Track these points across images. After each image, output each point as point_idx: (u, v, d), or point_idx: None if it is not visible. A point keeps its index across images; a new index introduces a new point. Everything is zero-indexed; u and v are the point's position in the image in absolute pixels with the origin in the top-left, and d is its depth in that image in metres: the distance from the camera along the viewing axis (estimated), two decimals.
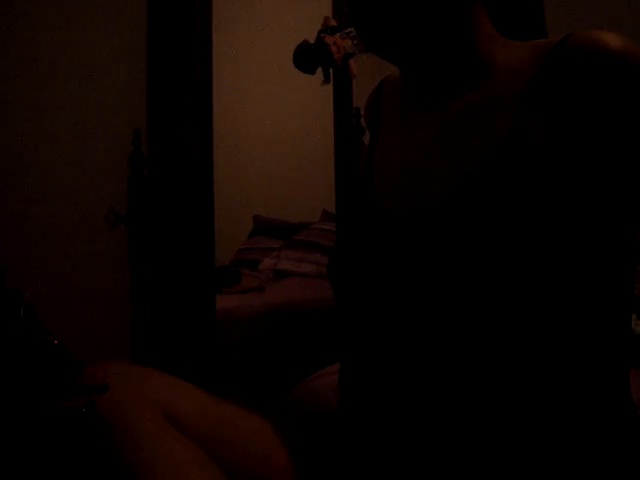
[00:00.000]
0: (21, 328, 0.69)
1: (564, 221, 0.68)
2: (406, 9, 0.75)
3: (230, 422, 0.82)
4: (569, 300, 0.69)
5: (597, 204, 0.69)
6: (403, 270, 0.73)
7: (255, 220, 4.00)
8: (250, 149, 3.99)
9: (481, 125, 0.75)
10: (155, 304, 2.15)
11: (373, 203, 0.82)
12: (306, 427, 0.93)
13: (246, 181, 3.94)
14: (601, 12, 2.32)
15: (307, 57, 2.08)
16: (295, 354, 2.79)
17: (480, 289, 0.68)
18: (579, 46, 0.69)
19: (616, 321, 0.73)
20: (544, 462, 0.69)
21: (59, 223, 2.06)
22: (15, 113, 2.01)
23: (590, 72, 0.68)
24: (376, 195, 0.83)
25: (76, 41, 2.09)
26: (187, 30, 2.12)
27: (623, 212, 0.71)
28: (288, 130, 3.90)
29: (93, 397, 0.69)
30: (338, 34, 2.10)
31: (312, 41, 2.10)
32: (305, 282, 3.27)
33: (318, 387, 1.36)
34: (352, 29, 2.06)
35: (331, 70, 2.31)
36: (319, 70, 2.21)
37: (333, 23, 2.17)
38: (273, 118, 3.95)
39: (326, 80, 2.28)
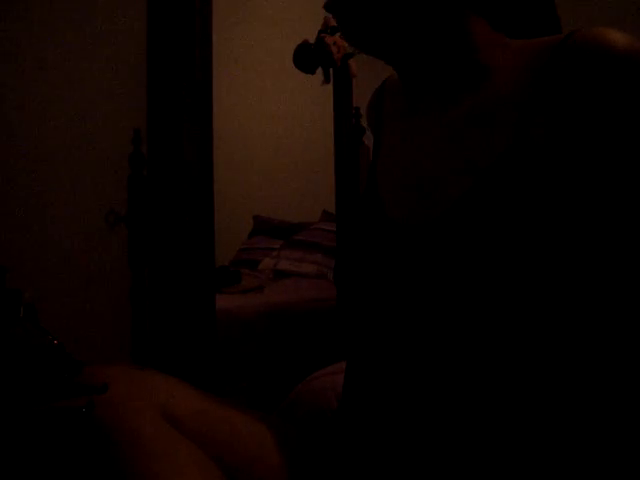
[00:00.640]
0: (21, 328, 0.69)
1: (576, 225, 0.66)
2: (392, 16, 0.75)
3: (230, 423, 0.82)
4: (583, 306, 0.68)
5: (608, 208, 0.68)
6: (409, 279, 0.73)
7: (255, 220, 4.00)
8: (250, 149, 4.00)
9: (483, 131, 0.73)
10: (155, 304, 2.15)
11: (378, 209, 0.81)
12: (306, 427, 0.93)
13: (246, 181, 3.94)
14: (603, 8, 2.32)
15: (307, 57, 2.08)
16: (295, 354, 2.79)
17: (491, 299, 0.68)
18: (583, 45, 0.68)
19: (627, 328, 0.73)
20: (549, 465, 0.69)
21: (59, 223, 2.06)
22: (15, 113, 2.01)
23: (595, 73, 0.67)
24: (381, 199, 0.82)
25: (76, 41, 2.09)
26: (187, 30, 2.12)
27: (635, 216, 0.69)
28: (288, 130, 3.91)
29: (93, 397, 0.69)
30: (338, 34, 2.10)
31: (312, 41, 2.11)
32: (305, 282, 3.27)
33: (318, 387, 1.36)
34: None
35: (331, 70, 2.31)
36: (319, 70, 2.21)
37: (333, 23, 2.17)
38: (273, 118, 3.96)
39: (326, 80, 2.29)
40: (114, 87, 2.15)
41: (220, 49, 2.38)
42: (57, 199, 2.07)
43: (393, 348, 0.75)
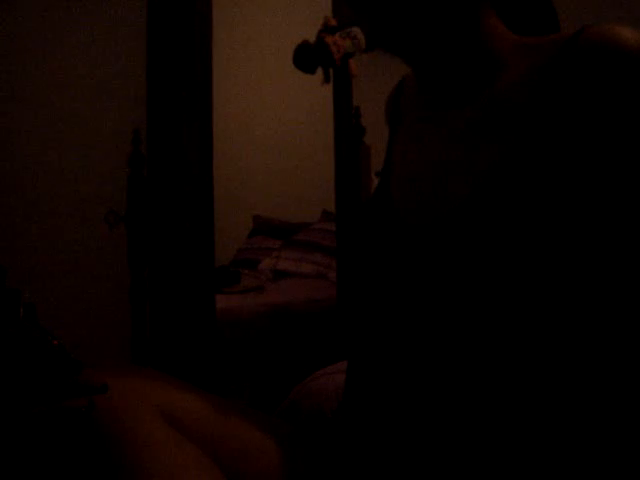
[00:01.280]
0: (21, 328, 0.69)
1: (586, 225, 0.66)
2: (410, 8, 0.75)
3: (230, 423, 0.82)
4: (589, 306, 0.68)
5: (620, 206, 0.67)
6: (417, 278, 0.73)
7: (255, 220, 4.00)
8: (250, 149, 4.00)
9: (494, 129, 0.73)
10: (155, 304, 2.15)
11: (389, 207, 0.81)
12: (306, 427, 0.93)
13: (246, 181, 3.94)
14: (607, 6, 2.31)
15: (307, 57, 2.08)
16: (295, 354, 2.79)
17: (497, 297, 0.68)
18: (593, 44, 0.67)
19: (629, 328, 0.73)
20: (549, 465, 0.69)
21: (59, 223, 2.06)
22: (15, 113, 2.01)
23: (606, 72, 0.66)
24: (392, 197, 0.82)
25: (76, 41, 2.09)
26: (187, 30, 2.12)
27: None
28: (288, 130, 3.90)
29: (93, 397, 0.69)
30: (338, 34, 2.10)
31: (312, 41, 2.10)
32: (305, 282, 3.27)
33: (318, 387, 1.36)
34: (352, 29, 2.06)
35: (331, 70, 2.31)
36: (319, 70, 2.21)
37: (333, 23, 2.17)
38: (273, 118, 3.95)
39: (326, 80, 2.28)
40: (114, 87, 2.15)
41: (220, 49, 2.38)
42: (57, 199, 2.07)
43: (398, 347, 0.75)
